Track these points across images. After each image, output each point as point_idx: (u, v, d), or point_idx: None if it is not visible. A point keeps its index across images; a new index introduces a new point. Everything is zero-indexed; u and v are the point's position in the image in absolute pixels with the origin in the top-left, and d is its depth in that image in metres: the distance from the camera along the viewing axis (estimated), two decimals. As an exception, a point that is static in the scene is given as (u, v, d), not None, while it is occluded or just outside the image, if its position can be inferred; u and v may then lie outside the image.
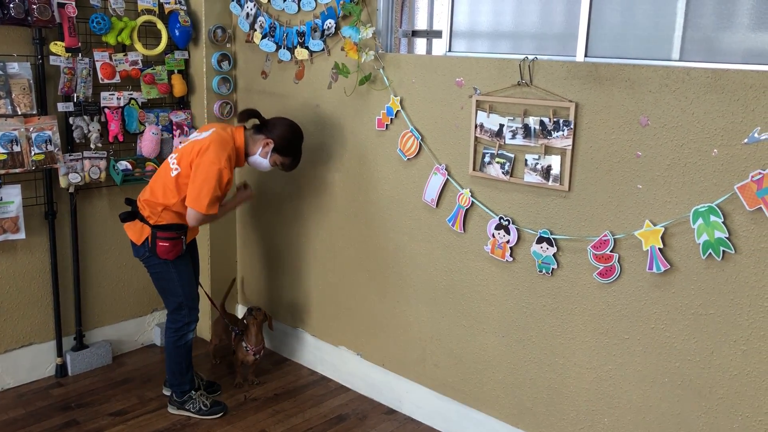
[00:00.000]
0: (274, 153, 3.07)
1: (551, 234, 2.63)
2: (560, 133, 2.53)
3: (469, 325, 2.98)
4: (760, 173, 2.10)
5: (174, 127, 3.70)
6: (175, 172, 2.97)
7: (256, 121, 3.12)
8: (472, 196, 2.85)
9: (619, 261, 2.47)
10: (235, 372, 3.56)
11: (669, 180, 2.31)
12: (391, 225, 3.21)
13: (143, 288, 3.88)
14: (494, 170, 2.74)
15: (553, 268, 2.65)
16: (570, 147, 2.52)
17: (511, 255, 2.76)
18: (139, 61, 3.52)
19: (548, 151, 2.58)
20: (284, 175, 3.65)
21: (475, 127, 2.76)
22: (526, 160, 2.64)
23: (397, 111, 3.04)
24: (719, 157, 2.19)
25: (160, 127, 3.63)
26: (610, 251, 2.47)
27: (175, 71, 3.69)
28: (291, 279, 3.77)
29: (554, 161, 2.57)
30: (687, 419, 2.39)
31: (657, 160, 2.33)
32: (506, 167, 2.70)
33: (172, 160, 3.02)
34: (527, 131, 2.61)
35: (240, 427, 3.18)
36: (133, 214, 3.06)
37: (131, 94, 3.54)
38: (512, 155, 2.68)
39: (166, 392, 3.41)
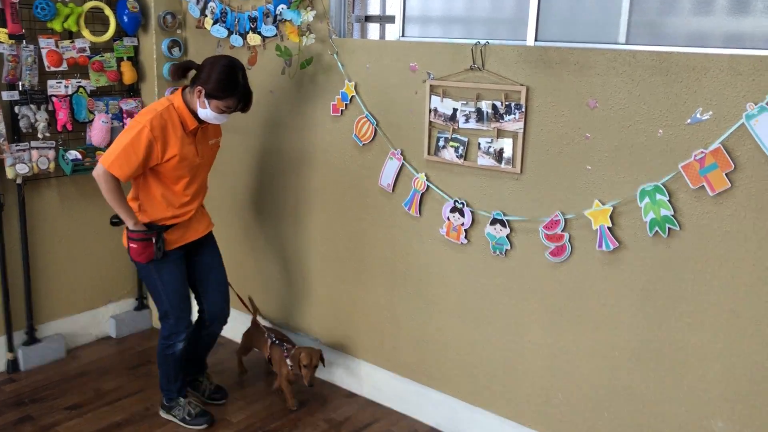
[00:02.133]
0: (209, 99, 2.68)
1: (504, 215, 2.68)
2: (512, 116, 2.58)
3: (426, 307, 3.02)
4: (702, 152, 2.19)
5: (124, 116, 3.64)
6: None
7: None
8: (427, 180, 2.88)
9: (569, 240, 2.54)
10: (284, 395, 3.23)
11: (616, 161, 2.38)
12: (348, 210, 3.22)
13: (97, 280, 3.82)
14: (448, 154, 2.78)
15: (506, 249, 2.70)
16: (521, 130, 2.57)
17: (465, 237, 2.81)
18: (87, 48, 3.44)
19: (500, 134, 2.63)
20: (236, 165, 3.63)
21: (430, 111, 2.79)
22: (479, 144, 2.69)
23: (352, 96, 3.05)
24: (664, 137, 2.27)
25: (110, 115, 3.57)
26: (561, 231, 2.54)
27: (125, 58, 3.62)
28: (248, 266, 3.75)
29: (506, 144, 2.62)
30: (637, 391, 2.48)
31: (605, 142, 2.40)
32: (460, 151, 2.75)
33: None
34: (480, 115, 2.65)
35: (200, 415, 3.17)
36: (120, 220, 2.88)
37: (79, 82, 3.46)
38: (466, 139, 2.72)
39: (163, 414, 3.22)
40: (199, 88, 2.69)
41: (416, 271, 3.02)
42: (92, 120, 3.52)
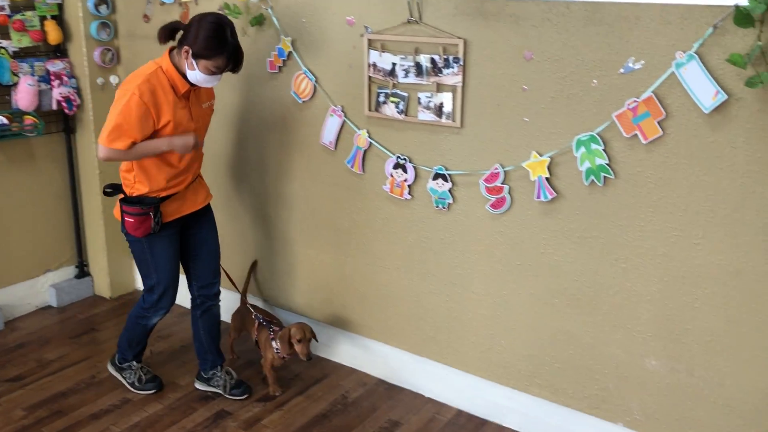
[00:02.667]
0: (197, 60, 2.53)
1: (446, 170, 2.70)
2: (450, 70, 2.58)
3: (373, 263, 3.05)
4: (635, 101, 2.24)
5: (52, 78, 3.48)
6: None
7: None
8: (369, 136, 2.87)
9: (509, 192, 2.58)
10: (267, 380, 3.08)
11: (553, 112, 2.42)
12: (290, 169, 3.19)
13: (33, 248, 3.70)
14: (389, 110, 2.77)
15: (449, 203, 2.73)
16: (460, 84, 2.57)
17: (409, 193, 2.83)
18: (6, 7, 3.26)
19: (440, 88, 2.63)
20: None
21: (369, 66, 2.77)
22: (419, 99, 2.68)
23: (289, 52, 2.99)
24: (598, 87, 2.31)
25: (37, 77, 3.41)
26: (501, 183, 2.58)
27: (48, 17, 3.45)
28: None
29: (446, 98, 2.63)
30: (575, 335, 2.58)
31: (541, 93, 2.42)
32: (401, 106, 2.74)
33: None
34: (419, 69, 2.64)
35: (148, 381, 3.15)
36: (117, 188, 2.77)
37: (0, 43, 3.29)
38: (406, 94, 2.71)
39: (199, 386, 3.08)
40: (186, 48, 2.53)
41: (361, 228, 3.03)
42: (17, 83, 3.36)
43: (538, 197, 2.50)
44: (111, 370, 3.13)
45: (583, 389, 2.61)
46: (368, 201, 2.97)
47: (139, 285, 4.07)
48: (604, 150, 2.34)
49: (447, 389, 2.98)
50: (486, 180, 2.61)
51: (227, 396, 3.00)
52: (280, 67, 3.05)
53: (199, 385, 3.08)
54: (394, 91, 2.74)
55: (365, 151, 2.90)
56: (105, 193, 2.79)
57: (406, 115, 2.74)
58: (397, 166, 2.82)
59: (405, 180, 2.81)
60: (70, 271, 3.93)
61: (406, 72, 2.68)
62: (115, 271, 3.92)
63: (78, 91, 3.60)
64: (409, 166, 2.79)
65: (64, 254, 3.88)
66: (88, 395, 3.03)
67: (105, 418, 2.89)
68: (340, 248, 3.13)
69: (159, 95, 2.57)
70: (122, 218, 2.70)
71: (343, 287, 3.18)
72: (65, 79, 3.52)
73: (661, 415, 2.46)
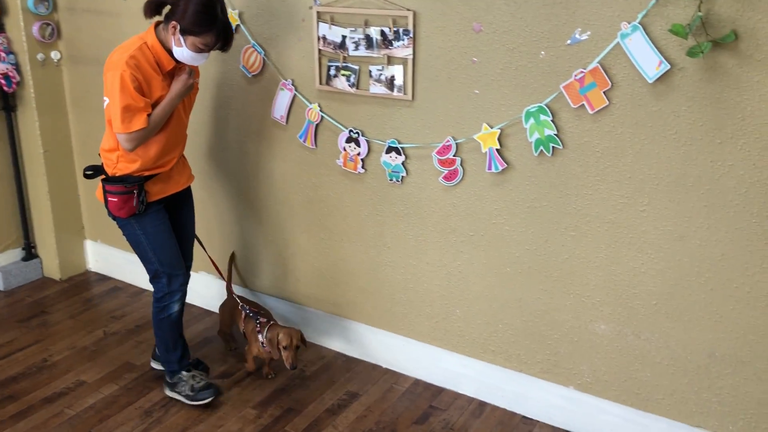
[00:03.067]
0: (185, 36, 2.43)
1: (399, 143, 2.71)
2: (401, 42, 2.57)
3: (328, 238, 3.05)
4: (581, 72, 2.28)
5: (-11, 53, 3.36)
6: (105, 104, 2.51)
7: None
8: (320, 110, 2.85)
9: (461, 164, 2.61)
10: (245, 356, 3.03)
11: (502, 83, 2.44)
12: (242, 144, 3.15)
13: (-24, 232, 3.60)
14: (340, 83, 2.76)
15: (402, 176, 2.75)
16: (411, 56, 2.57)
17: (362, 167, 2.83)
18: (-63, -21, 3.12)
19: (391, 61, 2.62)
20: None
21: (318, 39, 2.74)
22: (370, 72, 2.67)
23: (237, 25, 2.93)
24: (546, 58, 2.34)
25: (-27, 53, 3.28)
26: (453, 155, 2.60)
27: (-18, -11, 3.31)
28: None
29: (397, 71, 2.62)
30: (528, 302, 2.64)
31: (491, 65, 2.44)
32: (352, 79, 2.72)
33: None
34: (369, 42, 2.63)
35: (102, 363, 3.11)
36: (98, 170, 2.64)
37: (-69, 17, 3.15)
38: (357, 67, 2.70)
39: (154, 365, 3.03)
40: (174, 23, 2.42)
41: (316, 203, 3.03)
42: (-48, 59, 3.23)
43: (490, 169, 2.54)
44: (167, 392, 2.88)
45: (536, 354, 2.69)
46: (322, 176, 2.96)
47: (92, 264, 3.99)
48: (552, 121, 2.38)
49: (404, 359, 3.02)
50: (438, 152, 2.63)
51: (184, 373, 2.91)
52: (228, 40, 2.99)
53: (155, 365, 3.05)
54: (345, 64, 2.72)
55: (317, 126, 2.89)
56: (85, 176, 2.65)
57: (357, 88, 2.73)
58: (349, 139, 2.81)
59: (358, 154, 2.81)
60: (16, 253, 3.82)
61: (357, 45, 2.66)
62: (64, 252, 3.83)
63: (17, 67, 3.47)
64: (362, 139, 2.78)
65: (9, 236, 3.77)
66: (40, 379, 2.98)
67: (59, 401, 2.85)
68: (295, 223, 3.12)
69: (147, 71, 2.47)
70: (105, 199, 2.59)
71: (298, 263, 3.18)
72: (3, 55, 3.39)
73: (610, 377, 2.56)
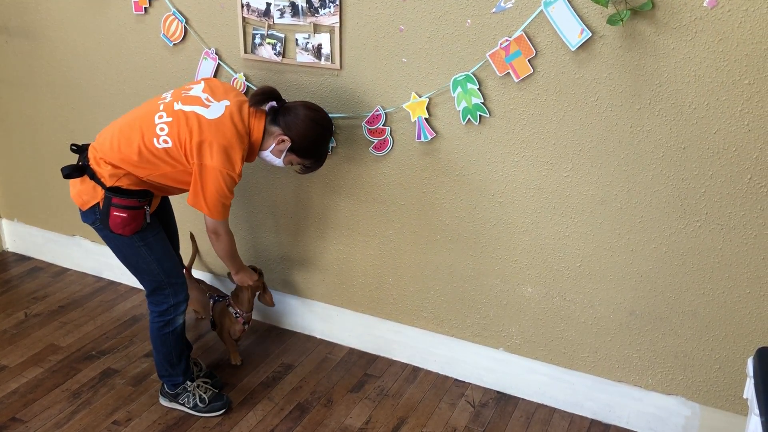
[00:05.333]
0: (289, 153, 2.40)
1: (328, 114, 2.68)
2: (327, 10, 2.53)
3: (259, 212, 3.01)
4: (507, 40, 2.30)
5: None
6: (163, 145, 2.26)
7: (274, 104, 2.42)
8: (246, 80, 2.79)
9: (391, 134, 2.61)
10: (227, 347, 2.92)
11: (430, 52, 2.44)
12: (165, 117, 3.05)
13: None
14: (266, 52, 2.70)
15: (332, 147, 2.73)
16: (338, 24, 2.54)
17: (291, 137, 2.79)
18: None
19: (317, 29, 2.58)
20: (32, 77, 3.27)
21: (242, 6, 2.67)
22: (296, 40, 2.63)
23: (156, -8, 2.82)
24: (472, 27, 2.35)
25: None
26: (383, 125, 2.60)
27: None
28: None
29: (324, 40, 2.59)
30: (458, 269, 2.69)
31: (418, 34, 2.44)
32: (278, 48, 2.67)
33: (159, 121, 2.27)
34: (295, 10, 2.58)
35: (24, 345, 2.99)
36: (81, 170, 2.30)
37: None
38: (283, 35, 2.65)
39: (164, 403, 2.70)
40: (286, 138, 2.37)
41: (245, 175, 2.97)
42: None
43: (419, 138, 2.55)
44: (164, 403, 2.67)
45: (466, 318, 2.75)
46: (249, 147, 2.91)
47: (9, 245, 3.81)
48: (479, 89, 2.40)
49: (338, 329, 3.04)
50: (368, 122, 2.62)
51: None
52: (146, 8, 2.88)
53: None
54: (270, 32, 2.66)
55: (243, 96, 2.82)
56: (65, 176, 2.28)
57: (283, 57, 2.68)
58: (277, 110, 2.76)
59: (286, 124, 2.77)
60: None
61: (282, 12, 2.60)
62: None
63: None
64: (289, 109, 2.74)
65: None
66: (-41, 366, 2.85)
67: (-21, 387, 2.73)
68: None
69: (243, 161, 2.35)
70: (107, 214, 2.26)
71: (240, 246, 3.12)
72: None
73: (538, 338, 2.65)
